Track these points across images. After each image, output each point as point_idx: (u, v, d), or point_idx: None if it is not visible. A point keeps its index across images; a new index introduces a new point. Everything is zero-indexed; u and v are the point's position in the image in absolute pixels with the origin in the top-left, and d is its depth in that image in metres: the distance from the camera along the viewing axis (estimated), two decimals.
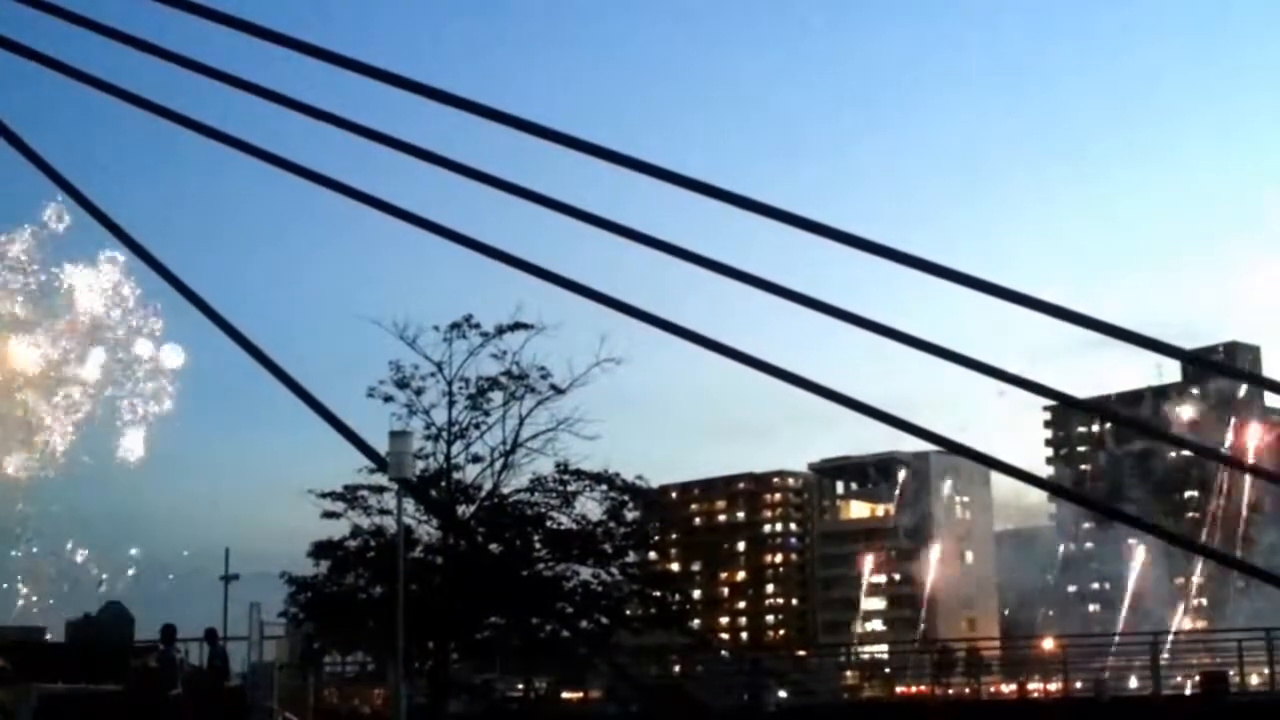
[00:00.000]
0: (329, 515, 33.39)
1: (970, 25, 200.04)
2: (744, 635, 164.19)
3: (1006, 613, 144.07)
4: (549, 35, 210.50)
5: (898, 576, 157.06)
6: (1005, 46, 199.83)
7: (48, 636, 43.33)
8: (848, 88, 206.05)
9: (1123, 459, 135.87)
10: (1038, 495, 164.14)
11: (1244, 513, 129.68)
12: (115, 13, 12.87)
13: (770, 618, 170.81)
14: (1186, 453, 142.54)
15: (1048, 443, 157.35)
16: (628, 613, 35.28)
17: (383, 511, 32.88)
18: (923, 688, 45.01)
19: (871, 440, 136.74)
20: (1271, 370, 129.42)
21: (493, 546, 33.51)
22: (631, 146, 12.07)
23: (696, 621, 76.25)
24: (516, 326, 32.45)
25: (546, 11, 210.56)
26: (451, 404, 32.90)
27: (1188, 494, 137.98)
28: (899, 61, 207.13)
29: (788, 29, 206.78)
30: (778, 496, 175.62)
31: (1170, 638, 60.13)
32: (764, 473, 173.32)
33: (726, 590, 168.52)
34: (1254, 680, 35.63)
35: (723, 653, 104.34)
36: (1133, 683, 42.24)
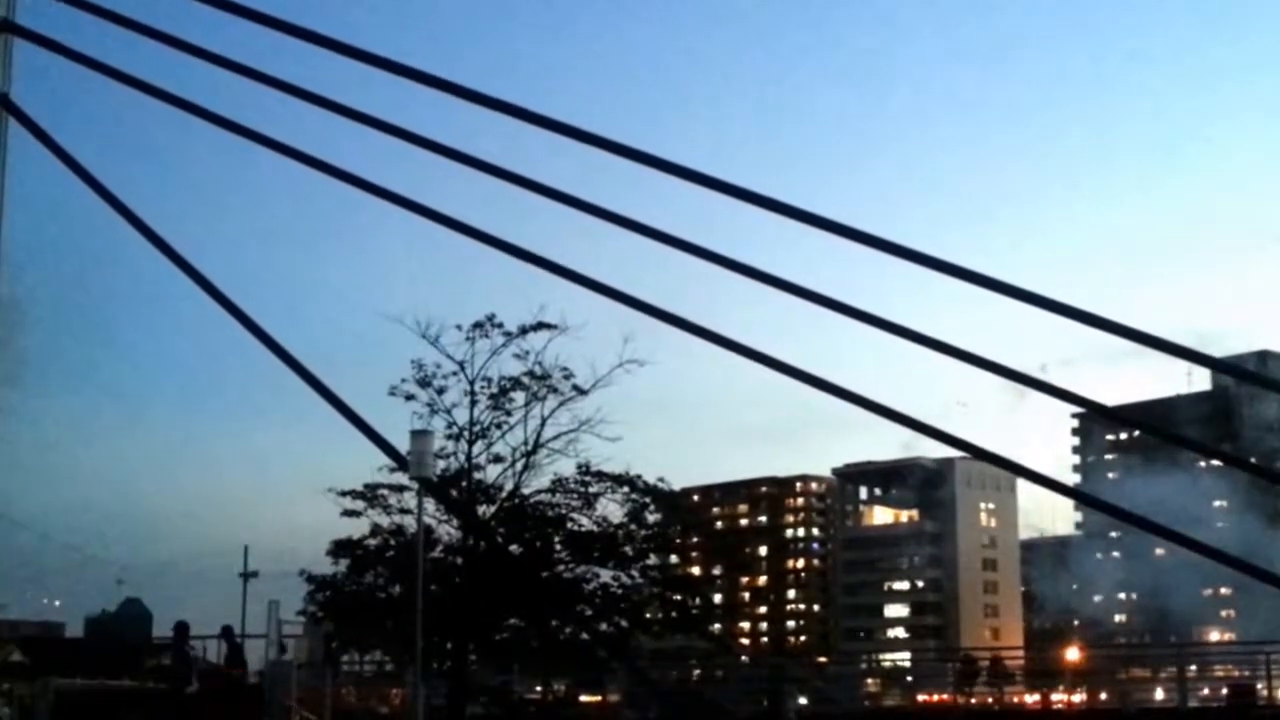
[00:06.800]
0: (349, 514, 33.38)
1: (992, 22, 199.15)
2: (765, 641, 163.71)
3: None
4: (579, 33, 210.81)
5: (921, 583, 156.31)
6: (1028, 46, 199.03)
7: (66, 632, 43.52)
8: (863, 91, 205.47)
9: None
10: (1064, 503, 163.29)
11: None
12: (157, 14, 12.77)
13: (791, 623, 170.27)
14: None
15: (1075, 450, 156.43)
16: (647, 616, 35.12)
17: (403, 510, 32.84)
18: (945, 696, 44.71)
19: (896, 446, 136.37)
20: None
21: (513, 547, 33.42)
22: (658, 146, 11.88)
23: (717, 626, 75.88)
24: (539, 326, 32.39)
25: (579, 10, 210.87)
26: (473, 403, 32.87)
27: None
28: (912, 64, 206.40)
29: (834, 35, 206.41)
30: (800, 501, 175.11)
31: (1197, 650, 59.48)
32: (787, 477, 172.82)
33: (748, 595, 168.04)
34: None
35: (743, 658, 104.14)
36: (1159, 694, 41.86)
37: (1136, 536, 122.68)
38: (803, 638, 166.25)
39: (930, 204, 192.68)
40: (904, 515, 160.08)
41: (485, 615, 31.39)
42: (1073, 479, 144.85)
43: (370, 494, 33.13)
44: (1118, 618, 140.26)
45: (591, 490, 33.34)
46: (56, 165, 13.66)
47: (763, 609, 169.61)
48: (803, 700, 40.65)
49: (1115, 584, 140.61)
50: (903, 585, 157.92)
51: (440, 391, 32.80)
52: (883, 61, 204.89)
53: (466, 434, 32.82)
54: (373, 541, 33.40)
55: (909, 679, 57.96)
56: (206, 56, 13.16)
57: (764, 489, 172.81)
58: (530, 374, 32.72)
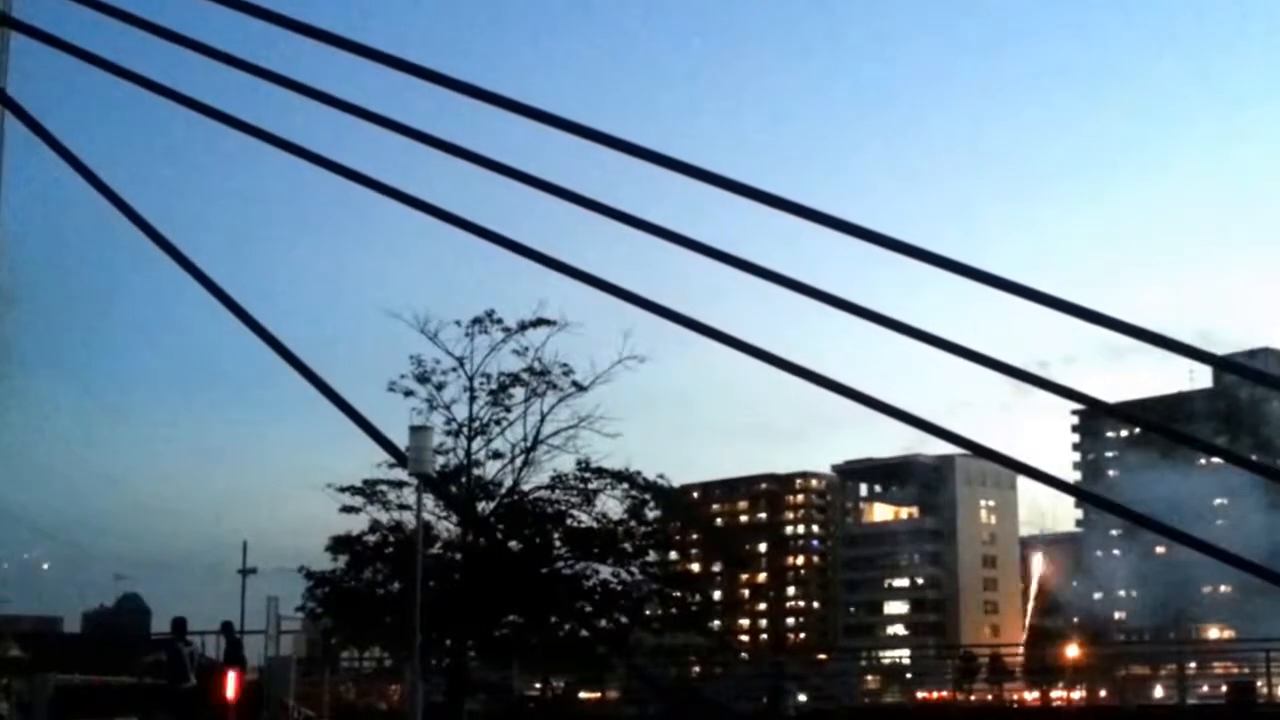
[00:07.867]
0: (348, 510, 33.31)
1: (1000, 17, 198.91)
2: (764, 638, 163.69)
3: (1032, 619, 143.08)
4: (578, 28, 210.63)
5: (921, 580, 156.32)
6: (1026, 38, 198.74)
7: (65, 627, 43.46)
8: (869, 86, 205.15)
9: None
10: (1065, 500, 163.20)
11: None
12: (156, 8, 12.71)
13: (791, 620, 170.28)
14: None
15: (1075, 447, 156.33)
16: (647, 613, 35.08)
17: (402, 507, 32.78)
18: (945, 694, 44.70)
19: (896, 443, 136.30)
20: None
21: (512, 544, 33.37)
22: (658, 141, 11.83)
23: (716, 623, 75.89)
24: (539, 322, 32.33)
25: (576, 5, 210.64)
26: (472, 399, 32.80)
27: None
28: (921, 62, 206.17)
29: (832, 32, 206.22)
30: (800, 498, 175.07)
31: (1197, 647, 59.34)
32: (787, 474, 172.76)
33: (747, 592, 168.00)
34: None
35: (742, 655, 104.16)
36: (1158, 692, 41.81)
37: (1137, 534, 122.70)
38: (802, 635, 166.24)
39: (929, 199, 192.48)
40: (904, 512, 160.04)
41: (484, 611, 31.32)
42: (1073, 476, 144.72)
43: (369, 490, 33.07)
44: (1118, 614, 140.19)
45: (591, 486, 33.29)
46: (54, 161, 13.62)
47: (762, 606, 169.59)
48: (802, 697, 40.62)
49: (1116, 581, 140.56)
50: (903, 582, 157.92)
51: (439, 387, 32.77)
52: (881, 57, 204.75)
53: (466, 430, 32.78)
54: (372, 537, 33.36)
55: (909, 676, 57.98)
56: (205, 51, 13.12)
57: (764, 485, 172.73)
58: (529, 370, 32.69)
